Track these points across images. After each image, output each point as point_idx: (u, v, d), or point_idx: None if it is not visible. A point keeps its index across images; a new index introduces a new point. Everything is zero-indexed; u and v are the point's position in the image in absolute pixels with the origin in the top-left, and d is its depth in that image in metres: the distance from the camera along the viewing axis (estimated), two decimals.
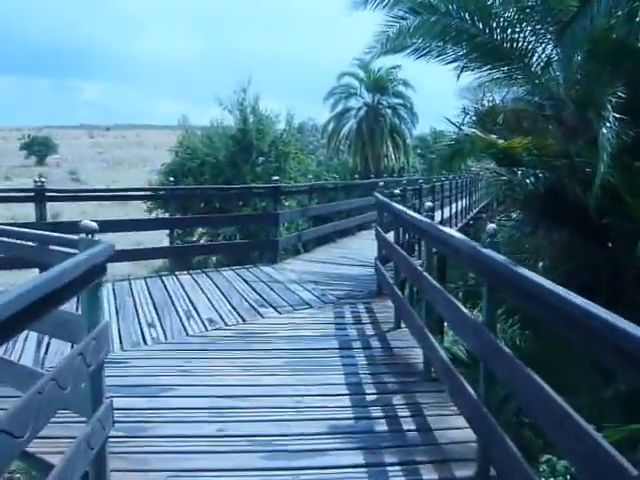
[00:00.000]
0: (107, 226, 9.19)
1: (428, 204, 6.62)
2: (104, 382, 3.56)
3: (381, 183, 11.28)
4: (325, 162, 26.71)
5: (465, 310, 3.81)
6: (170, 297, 7.66)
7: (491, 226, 3.49)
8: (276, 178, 9.69)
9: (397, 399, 4.72)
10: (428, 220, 5.01)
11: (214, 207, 20.47)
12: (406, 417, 4.41)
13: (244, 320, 6.67)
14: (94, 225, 3.38)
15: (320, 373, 5.15)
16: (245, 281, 8.54)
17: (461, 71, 10.32)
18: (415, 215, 5.70)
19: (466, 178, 21.24)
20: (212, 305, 7.26)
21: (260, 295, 7.76)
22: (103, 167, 55.40)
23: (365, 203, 14.24)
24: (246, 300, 7.50)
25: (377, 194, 8.07)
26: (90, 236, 3.32)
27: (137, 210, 33.67)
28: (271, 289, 8.11)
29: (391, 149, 26.72)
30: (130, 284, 8.29)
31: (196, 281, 8.52)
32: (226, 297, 7.64)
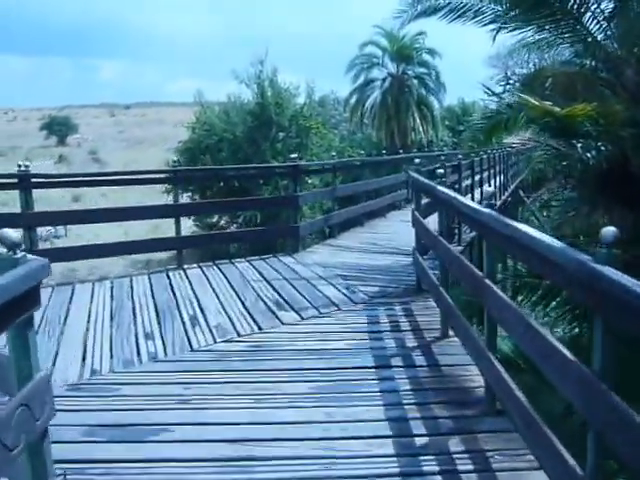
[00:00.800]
0: (103, 215, 8.26)
1: (488, 189, 5.40)
2: (49, 459, 2.48)
3: (417, 160, 10.05)
4: (348, 137, 25.41)
5: (566, 352, 2.61)
6: (175, 298, 6.58)
7: (610, 230, 2.27)
8: (294, 155, 8.49)
9: (454, 443, 3.59)
10: (492, 212, 3.75)
11: (233, 186, 19.47)
12: (469, 472, 3.30)
13: (260, 328, 5.57)
14: (16, 236, 2.26)
15: (354, 404, 4.03)
16: (262, 275, 7.43)
17: (497, 32, 9.11)
18: (473, 205, 4.45)
19: (501, 152, 19.85)
20: (223, 308, 6.16)
21: (279, 293, 6.65)
22: (123, 146, 54.50)
23: (396, 181, 13.05)
24: (262, 300, 6.40)
25: (413, 173, 6.81)
26: (11, 252, 2.22)
27: (156, 191, 32.84)
28: (292, 285, 6.98)
29: (418, 122, 25.26)
30: (132, 282, 7.23)
31: (206, 276, 7.43)
32: (239, 297, 6.55)
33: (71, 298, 6.64)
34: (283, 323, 5.71)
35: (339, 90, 32.55)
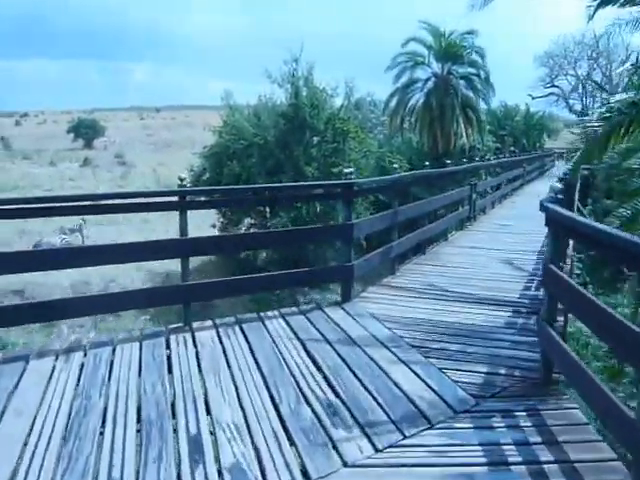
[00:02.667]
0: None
1: None
2: None
3: (556, 182, 7.58)
4: (386, 142, 22.97)
5: None
6: (172, 393, 4.21)
7: None
8: (349, 170, 5.96)
9: None
10: None
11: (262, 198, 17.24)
12: None
13: (306, 474, 3.21)
14: None
15: None
16: (303, 345, 5.01)
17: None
18: None
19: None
20: (244, 418, 3.76)
21: (331, 386, 4.23)
22: (151, 149, 52.67)
23: (459, 196, 10.64)
24: (307, 401, 3.99)
25: (552, 205, 4.21)
26: None
27: None
28: (349, 367, 4.56)
29: (462, 126, 22.70)
30: (113, 354, 4.88)
31: (222, 346, 4.98)
32: (270, 392, 4.16)
33: (17, 385, 4.35)
34: (346, 463, 3.29)
35: (375, 92, 30.07)
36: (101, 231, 25.50)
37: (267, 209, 19.03)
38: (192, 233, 5.36)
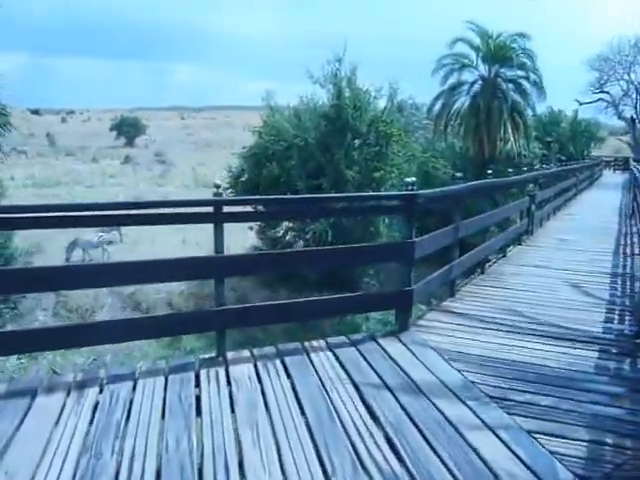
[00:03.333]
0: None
1: None
2: None
3: None
4: (429, 146, 21.93)
5: None
6: (200, 454, 3.35)
7: None
8: (410, 180, 5.03)
9: None
10: None
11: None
12: None
13: None
14: None
15: None
16: (356, 387, 4.07)
17: None
18: None
19: None
20: None
21: (393, 449, 3.32)
22: (191, 149, 52.39)
23: (519, 209, 9.65)
24: (366, 472, 3.11)
25: None
26: None
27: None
28: (412, 421, 3.66)
29: (510, 131, 21.55)
30: (133, 393, 4.09)
31: (261, 384, 4.14)
32: (319, 454, 3.26)
33: (17, 428, 3.58)
34: None
35: (417, 95, 29.04)
36: (138, 228, 25.05)
37: None
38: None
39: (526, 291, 6.93)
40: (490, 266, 8.20)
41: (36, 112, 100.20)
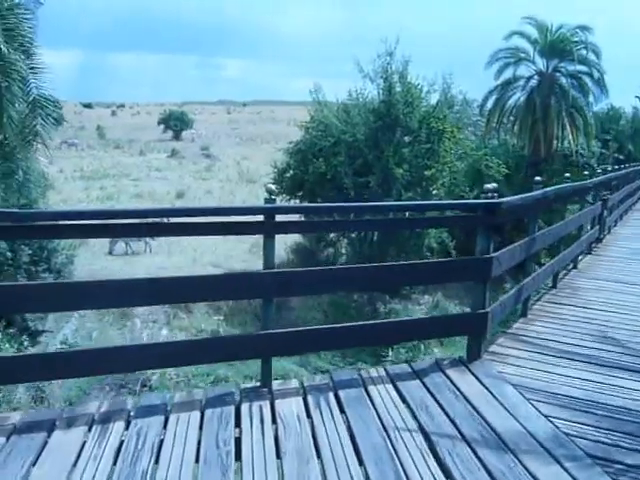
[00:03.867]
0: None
1: None
2: None
3: None
4: (480, 143, 20.91)
5: None
6: None
7: None
8: (491, 186, 4.24)
9: None
10: None
11: (349, 194, 15.73)
12: None
13: None
14: None
15: None
16: (425, 437, 3.31)
17: None
18: None
19: None
20: None
21: None
22: (236, 142, 52.18)
23: (592, 215, 8.74)
24: None
25: None
26: None
27: (264, 190, 29.74)
28: None
29: (568, 128, 20.40)
30: (164, 429, 3.44)
31: (313, 432, 3.41)
32: None
33: (29, 469, 3.01)
34: None
35: (467, 91, 27.93)
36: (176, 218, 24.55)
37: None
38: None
39: (607, 311, 6.05)
40: (561, 279, 7.33)
41: (88, 106, 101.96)
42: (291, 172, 17.41)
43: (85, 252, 19.26)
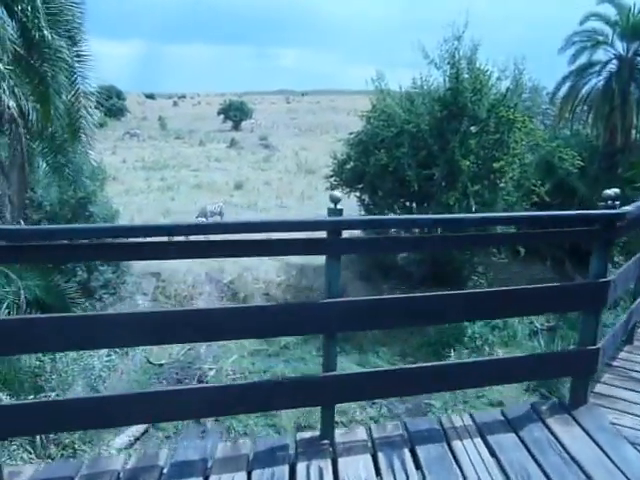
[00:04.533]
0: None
1: None
2: None
3: None
4: (550, 133, 19.53)
5: None
6: None
7: None
8: (612, 192, 3.34)
9: None
10: None
11: (410, 186, 14.87)
12: None
13: None
14: None
15: None
16: None
17: None
18: None
19: None
20: None
21: None
22: (295, 133, 51.62)
23: None
24: None
25: None
26: None
27: (323, 181, 29.10)
28: None
29: None
30: None
31: None
32: None
33: None
34: None
35: (536, 78, 26.38)
36: (240, 214, 24.30)
37: (414, 204, 16.62)
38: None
39: None
40: None
41: (150, 96, 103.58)
42: (351, 164, 16.67)
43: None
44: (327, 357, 3.11)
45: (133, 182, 27.71)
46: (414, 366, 3.72)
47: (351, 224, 3.37)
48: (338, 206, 3.10)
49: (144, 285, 16.39)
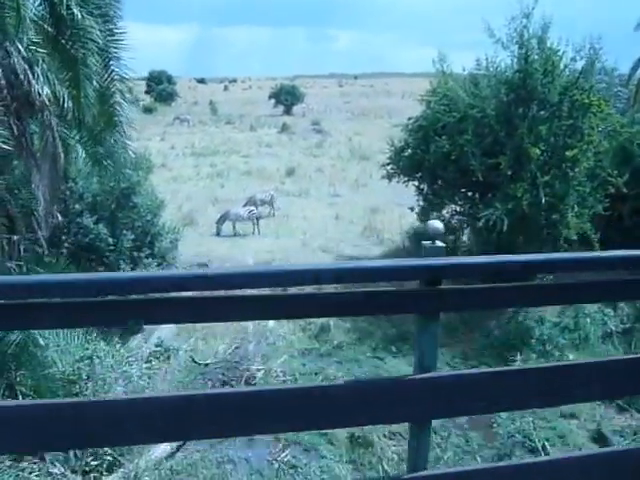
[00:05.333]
0: None
1: None
2: None
3: None
4: (630, 118, 18.01)
5: None
6: None
7: None
8: None
9: None
10: None
11: (473, 176, 13.83)
12: None
13: None
14: None
15: None
16: None
17: None
18: None
19: None
20: None
21: None
22: (347, 117, 50.58)
23: None
24: None
25: None
26: None
27: (377, 167, 28.03)
28: None
29: None
30: None
31: None
32: None
33: None
34: None
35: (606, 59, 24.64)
36: (291, 202, 23.60)
37: (476, 195, 15.49)
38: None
39: None
40: None
41: (202, 81, 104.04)
42: (409, 151, 15.70)
43: (192, 232, 18.59)
44: (416, 453, 2.19)
45: (182, 169, 27.38)
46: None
47: (460, 269, 2.29)
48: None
49: None
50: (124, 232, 11.88)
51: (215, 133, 39.26)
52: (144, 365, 8.40)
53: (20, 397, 6.71)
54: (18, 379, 6.75)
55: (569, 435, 10.86)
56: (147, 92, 64.33)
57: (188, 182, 25.34)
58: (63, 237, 11.61)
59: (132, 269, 12.01)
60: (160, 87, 60.34)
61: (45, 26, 6.12)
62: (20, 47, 5.49)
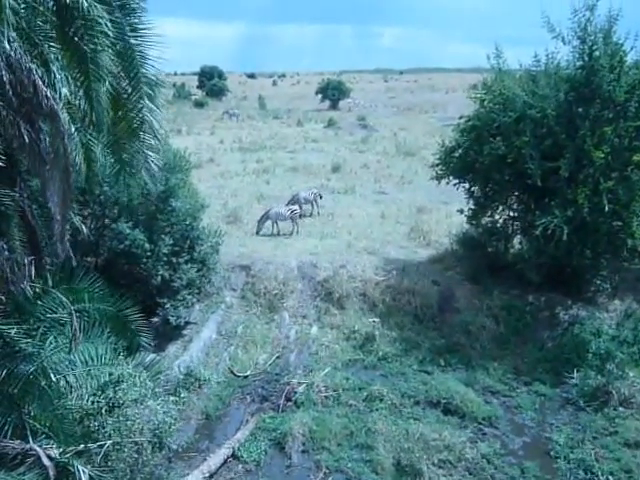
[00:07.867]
0: None
1: None
2: None
3: None
4: None
5: None
6: None
7: None
8: None
9: None
10: None
11: (528, 179, 12.38)
12: None
13: None
14: None
15: None
16: None
17: None
18: None
19: None
20: None
21: None
22: (393, 112, 48.97)
23: None
24: None
25: None
26: None
27: (421, 160, 26.48)
28: None
29: None
30: None
31: None
32: None
33: None
34: None
35: None
36: (337, 200, 22.41)
37: (531, 200, 13.99)
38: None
39: None
40: None
41: (252, 76, 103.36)
42: (460, 151, 14.27)
43: (237, 231, 17.63)
44: None
45: (229, 164, 26.47)
46: None
47: None
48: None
49: (233, 280, 14.87)
50: (162, 237, 10.93)
51: (263, 128, 38.31)
52: (171, 398, 7.37)
53: (31, 436, 5.75)
54: (32, 413, 5.79)
55: (637, 470, 9.49)
56: (199, 87, 63.90)
57: (235, 177, 24.43)
58: (100, 242, 10.74)
59: (170, 275, 11.10)
60: (211, 82, 59.73)
61: (47, 14, 5.08)
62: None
